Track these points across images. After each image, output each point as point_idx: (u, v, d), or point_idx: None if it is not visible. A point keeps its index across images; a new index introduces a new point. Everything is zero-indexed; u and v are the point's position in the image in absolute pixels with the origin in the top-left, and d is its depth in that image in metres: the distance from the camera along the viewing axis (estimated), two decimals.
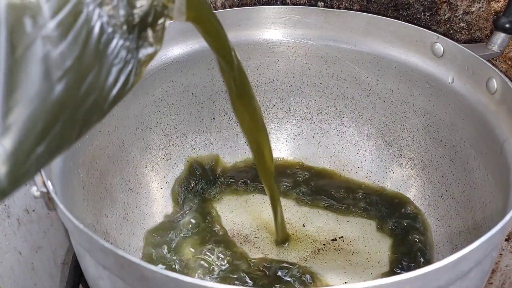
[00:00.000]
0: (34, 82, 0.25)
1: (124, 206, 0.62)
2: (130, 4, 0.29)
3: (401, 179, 0.67)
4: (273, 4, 0.68)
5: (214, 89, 0.70)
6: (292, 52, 0.69)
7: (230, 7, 0.71)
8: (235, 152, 0.73)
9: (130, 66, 0.29)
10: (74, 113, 0.27)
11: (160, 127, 0.68)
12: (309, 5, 0.69)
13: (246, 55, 0.68)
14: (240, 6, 0.71)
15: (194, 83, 0.68)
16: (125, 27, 0.29)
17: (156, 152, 0.68)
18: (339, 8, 0.68)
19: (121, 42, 0.29)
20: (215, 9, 0.72)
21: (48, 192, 0.40)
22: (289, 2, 0.69)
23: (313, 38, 0.67)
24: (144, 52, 0.31)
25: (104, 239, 0.57)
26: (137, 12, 0.30)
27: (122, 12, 0.29)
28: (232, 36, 0.66)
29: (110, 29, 0.28)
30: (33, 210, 0.62)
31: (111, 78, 0.28)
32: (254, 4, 0.70)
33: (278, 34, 0.68)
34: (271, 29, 0.68)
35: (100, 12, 0.27)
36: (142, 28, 0.30)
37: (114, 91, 0.29)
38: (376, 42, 0.64)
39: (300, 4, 0.69)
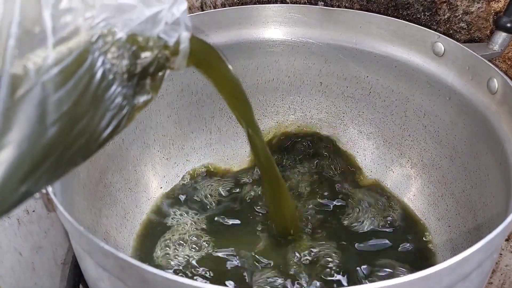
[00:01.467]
0: (28, 124, 0.25)
1: (124, 206, 0.62)
2: (135, 55, 0.30)
3: (401, 179, 0.67)
4: (273, 3, 0.68)
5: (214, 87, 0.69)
6: (292, 51, 0.68)
7: (230, 6, 0.71)
8: (234, 151, 0.73)
9: (124, 112, 0.30)
10: (61, 155, 0.27)
11: (160, 126, 0.68)
12: (309, 5, 0.68)
13: (246, 54, 0.68)
14: (240, 5, 0.71)
15: (194, 81, 0.68)
16: (125, 76, 0.29)
17: (156, 151, 0.68)
18: (339, 7, 0.68)
19: (119, 89, 0.29)
20: (215, 8, 0.72)
21: (47, 194, 0.40)
22: (289, 1, 0.69)
23: (313, 37, 0.67)
24: (139, 98, 0.31)
25: (104, 239, 0.57)
26: (140, 62, 0.30)
27: (125, 61, 0.29)
28: (232, 35, 0.66)
29: (111, 76, 0.28)
30: (33, 211, 0.62)
31: (103, 123, 0.28)
32: (254, 3, 0.70)
33: (278, 33, 0.67)
34: (271, 28, 0.67)
35: (104, 60, 0.28)
36: (142, 77, 0.31)
37: (104, 135, 0.29)
38: (376, 41, 0.64)
39: (300, 4, 0.69)
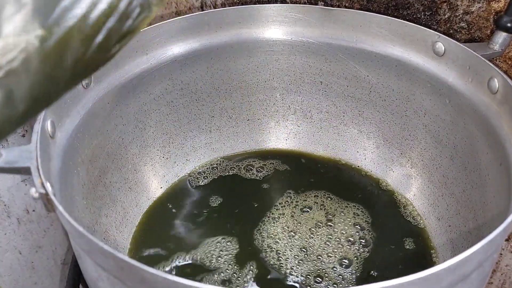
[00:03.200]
0: None
1: (123, 205, 0.62)
2: None
3: (401, 178, 0.67)
4: (274, 3, 0.68)
5: (214, 87, 0.69)
6: (292, 50, 0.68)
7: (230, 5, 0.71)
8: (234, 150, 0.73)
9: None
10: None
11: (160, 125, 0.68)
12: (309, 5, 0.68)
13: (247, 53, 0.68)
14: (240, 5, 0.71)
15: (194, 80, 0.68)
16: None
17: (156, 150, 0.68)
18: (339, 7, 0.67)
19: None
20: (215, 7, 0.71)
21: (47, 194, 0.39)
22: (289, 1, 0.69)
23: (314, 36, 0.67)
24: None
25: (104, 238, 0.57)
26: None
27: None
28: (233, 34, 0.66)
29: None
30: (33, 210, 0.62)
31: (101, 6, 0.25)
32: (255, 3, 0.70)
33: (278, 33, 0.67)
34: (272, 28, 0.67)
35: None
36: None
37: (109, 23, 0.26)
38: (377, 41, 0.64)
39: (300, 3, 0.69)
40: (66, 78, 0.26)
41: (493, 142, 0.53)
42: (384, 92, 0.66)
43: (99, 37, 0.26)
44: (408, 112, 0.65)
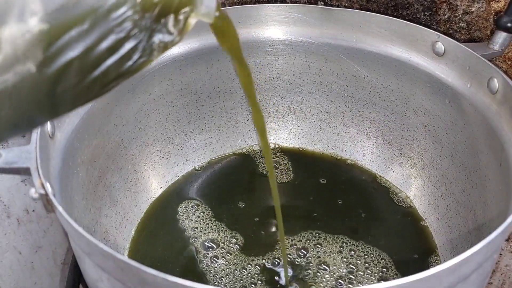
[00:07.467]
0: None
1: (123, 205, 0.62)
2: None
3: (401, 178, 0.67)
4: (273, 3, 0.68)
5: (214, 87, 0.69)
6: (292, 50, 0.68)
7: (230, 5, 0.71)
8: (234, 150, 0.73)
9: (134, 42, 0.27)
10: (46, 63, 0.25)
11: (159, 125, 0.68)
12: (309, 4, 0.68)
13: (246, 53, 0.67)
14: (240, 5, 0.71)
15: (193, 81, 0.68)
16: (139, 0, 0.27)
17: (155, 150, 0.68)
18: (338, 7, 0.67)
19: (129, 13, 0.27)
20: None
21: (46, 194, 0.39)
22: (289, 1, 0.69)
23: (313, 36, 0.67)
24: (160, 37, 0.28)
25: (104, 238, 0.57)
26: None
27: None
28: None
29: None
30: (33, 210, 0.62)
31: (105, 44, 0.26)
32: (254, 3, 0.70)
33: (278, 32, 0.67)
34: (271, 27, 0.67)
35: None
36: (163, 12, 0.28)
37: (109, 61, 0.27)
38: (376, 41, 0.64)
39: (300, 3, 0.69)
40: (50, 107, 0.26)
41: (493, 142, 0.53)
42: (384, 92, 0.66)
43: (96, 72, 0.26)
44: (408, 112, 0.65)
